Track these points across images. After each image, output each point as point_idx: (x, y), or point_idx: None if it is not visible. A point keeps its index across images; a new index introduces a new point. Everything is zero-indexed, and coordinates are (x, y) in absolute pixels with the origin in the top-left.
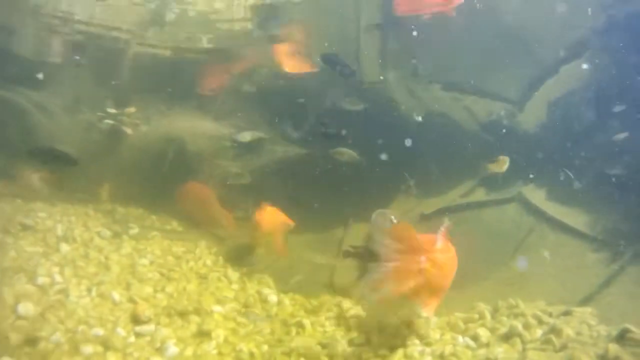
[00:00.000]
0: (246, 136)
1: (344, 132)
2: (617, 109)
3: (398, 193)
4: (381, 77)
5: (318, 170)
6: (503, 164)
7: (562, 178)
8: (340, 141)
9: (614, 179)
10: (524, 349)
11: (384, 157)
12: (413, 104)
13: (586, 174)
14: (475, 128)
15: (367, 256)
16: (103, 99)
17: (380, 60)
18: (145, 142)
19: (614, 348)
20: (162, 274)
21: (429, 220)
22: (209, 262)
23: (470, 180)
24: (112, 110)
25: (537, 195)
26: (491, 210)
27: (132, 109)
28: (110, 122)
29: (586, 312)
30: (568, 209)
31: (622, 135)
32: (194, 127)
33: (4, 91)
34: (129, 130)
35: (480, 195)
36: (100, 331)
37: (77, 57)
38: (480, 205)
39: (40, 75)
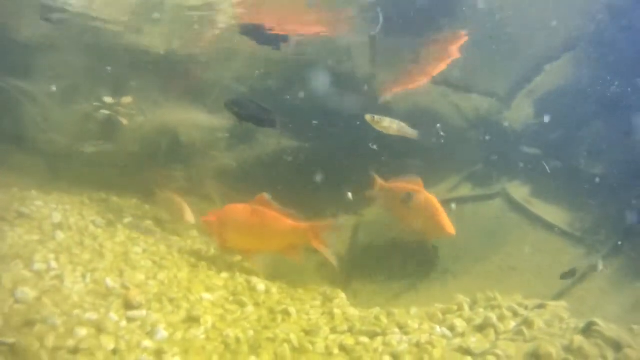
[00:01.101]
0: (90, 146)
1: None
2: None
3: None
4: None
5: (309, 162)
6: (385, 125)
7: (542, 171)
8: (262, 124)
9: (594, 179)
10: (497, 339)
11: (374, 149)
12: (401, 96)
13: (567, 173)
14: (462, 124)
15: None
16: (99, 88)
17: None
18: (140, 132)
19: (578, 339)
20: (154, 262)
21: None
22: (203, 248)
23: (457, 175)
24: (108, 100)
25: (520, 192)
26: (475, 205)
27: (128, 99)
28: (106, 112)
29: (559, 306)
30: (549, 207)
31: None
32: (188, 118)
33: None
34: (124, 121)
35: (465, 190)
36: (93, 315)
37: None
38: (465, 200)
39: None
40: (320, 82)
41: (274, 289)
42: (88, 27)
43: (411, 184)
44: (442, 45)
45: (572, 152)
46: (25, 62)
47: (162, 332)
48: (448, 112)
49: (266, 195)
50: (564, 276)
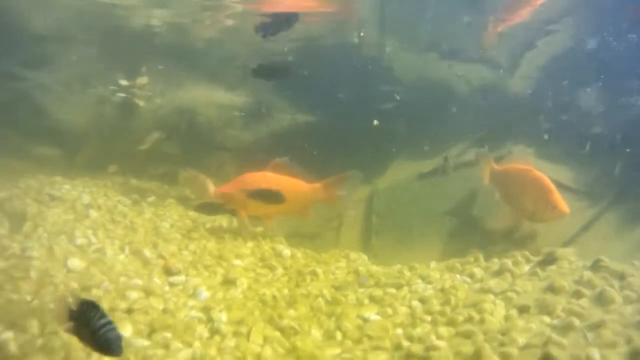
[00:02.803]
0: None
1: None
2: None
3: (397, 156)
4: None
5: (323, 136)
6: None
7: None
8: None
9: (594, 138)
10: (514, 280)
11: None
12: (408, 69)
13: (569, 133)
14: (468, 93)
15: None
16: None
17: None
18: (158, 114)
19: (587, 274)
20: (183, 235)
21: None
22: (224, 224)
23: (465, 141)
24: (123, 82)
25: (525, 154)
26: None
27: (143, 80)
28: (123, 95)
29: (567, 252)
30: (554, 165)
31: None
32: (206, 97)
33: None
34: (141, 103)
35: (473, 154)
36: (139, 281)
37: None
38: (474, 163)
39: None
40: (333, 58)
41: (299, 254)
42: (100, 11)
43: (522, 164)
44: None
45: (573, 114)
46: (39, 51)
47: (204, 293)
48: (455, 82)
49: (284, 160)
50: None
